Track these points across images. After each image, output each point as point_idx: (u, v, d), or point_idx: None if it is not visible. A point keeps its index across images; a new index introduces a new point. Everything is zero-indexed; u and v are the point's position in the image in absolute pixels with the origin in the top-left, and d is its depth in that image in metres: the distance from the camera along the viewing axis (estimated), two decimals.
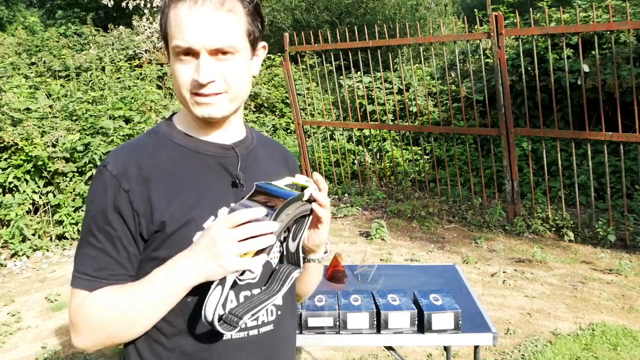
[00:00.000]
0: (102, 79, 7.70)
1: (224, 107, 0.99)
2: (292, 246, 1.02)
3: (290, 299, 1.13)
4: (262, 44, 1.05)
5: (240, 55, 0.98)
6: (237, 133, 1.10)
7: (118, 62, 8.99)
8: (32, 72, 8.23)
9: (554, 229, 5.26)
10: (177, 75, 0.97)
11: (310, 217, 1.02)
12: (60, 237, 5.29)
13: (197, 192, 1.01)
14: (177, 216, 0.97)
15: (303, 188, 0.98)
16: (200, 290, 0.98)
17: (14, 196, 5.03)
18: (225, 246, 0.87)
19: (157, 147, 1.02)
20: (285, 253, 1.05)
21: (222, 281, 0.90)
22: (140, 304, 0.93)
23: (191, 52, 0.94)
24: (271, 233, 0.87)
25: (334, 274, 2.35)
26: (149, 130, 1.08)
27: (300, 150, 7.13)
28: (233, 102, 1.00)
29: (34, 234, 5.09)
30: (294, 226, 1.02)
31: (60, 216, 5.19)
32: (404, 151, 7.38)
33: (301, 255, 1.02)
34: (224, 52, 0.95)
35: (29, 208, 5.19)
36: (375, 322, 1.83)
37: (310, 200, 0.99)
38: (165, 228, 0.96)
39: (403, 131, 7.29)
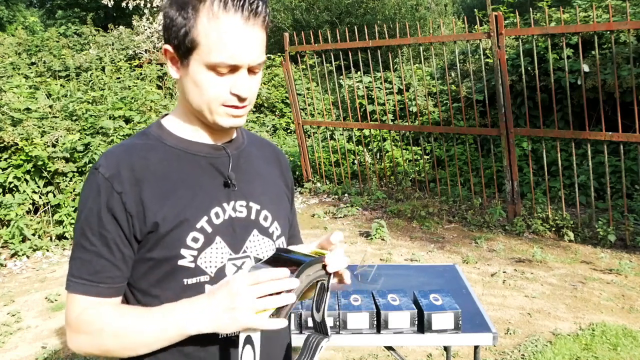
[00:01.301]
0: (102, 79, 7.69)
1: (246, 117, 1.03)
2: (318, 316, 1.02)
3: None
4: None
5: (262, 68, 1.01)
6: (229, 134, 1.11)
7: (118, 62, 8.99)
8: (32, 72, 8.23)
9: (554, 229, 5.26)
10: (209, 87, 0.97)
11: (329, 288, 1.01)
12: (60, 237, 5.29)
13: (190, 192, 1.01)
14: (170, 217, 0.98)
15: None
16: (196, 294, 0.99)
17: (14, 196, 5.03)
18: (243, 301, 0.87)
19: (148, 149, 1.03)
20: (313, 323, 1.04)
21: (249, 340, 0.91)
22: (145, 333, 0.95)
23: (232, 68, 0.95)
24: (290, 291, 0.87)
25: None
26: (139, 133, 1.09)
27: (300, 150, 7.13)
28: (250, 111, 1.05)
29: (34, 234, 5.09)
30: (316, 297, 1.01)
31: (60, 216, 5.19)
32: (404, 151, 7.37)
33: (328, 324, 1.02)
34: (257, 66, 0.98)
35: (29, 208, 5.19)
36: (375, 322, 1.83)
37: (325, 267, 0.98)
38: (158, 229, 0.97)
39: (403, 131, 7.29)
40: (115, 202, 0.96)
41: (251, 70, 0.98)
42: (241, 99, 0.97)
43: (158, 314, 0.95)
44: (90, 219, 0.97)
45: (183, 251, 0.98)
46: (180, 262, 0.99)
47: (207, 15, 0.93)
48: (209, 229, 1.01)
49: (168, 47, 1.00)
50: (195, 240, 0.99)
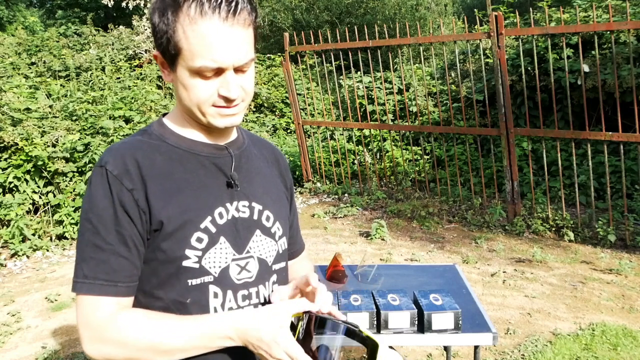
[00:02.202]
0: (102, 79, 7.69)
1: (242, 114, 1.02)
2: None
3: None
4: None
5: (253, 64, 1.00)
6: (229, 133, 1.11)
7: (118, 62, 8.99)
8: (32, 72, 8.22)
9: (554, 229, 5.26)
10: (197, 91, 0.96)
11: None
12: (60, 237, 5.29)
13: (194, 192, 1.01)
14: (174, 216, 0.97)
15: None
16: (200, 294, 0.99)
17: (14, 196, 5.03)
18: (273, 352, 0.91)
19: (152, 147, 1.02)
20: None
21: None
22: (174, 343, 0.94)
23: (216, 70, 0.95)
24: None
25: (334, 274, 2.35)
26: (140, 131, 1.08)
27: (300, 150, 7.13)
28: (246, 108, 1.04)
29: (34, 234, 5.09)
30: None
31: (60, 216, 5.19)
32: (404, 151, 7.37)
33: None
34: (244, 65, 0.97)
35: (29, 208, 5.18)
36: (375, 322, 1.83)
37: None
38: (163, 228, 0.96)
39: (403, 131, 7.28)
40: (128, 199, 0.95)
41: (239, 69, 0.97)
42: (229, 100, 0.97)
43: (192, 326, 0.95)
44: (104, 217, 0.95)
45: (188, 252, 0.98)
46: (185, 263, 0.98)
47: (185, 20, 0.92)
48: (213, 229, 1.01)
49: (157, 53, 1.00)
50: (199, 240, 0.99)
